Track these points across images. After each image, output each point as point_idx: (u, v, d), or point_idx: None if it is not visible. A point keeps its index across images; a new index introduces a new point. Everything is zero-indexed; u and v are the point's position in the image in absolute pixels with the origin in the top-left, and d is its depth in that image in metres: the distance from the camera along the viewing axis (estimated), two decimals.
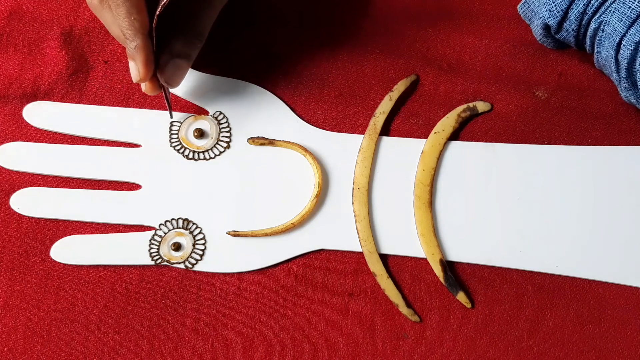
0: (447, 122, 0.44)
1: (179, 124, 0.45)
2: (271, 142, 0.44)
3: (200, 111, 0.45)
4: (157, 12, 0.38)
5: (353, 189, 0.43)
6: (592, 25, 0.40)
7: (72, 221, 0.44)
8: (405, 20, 0.46)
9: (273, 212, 0.43)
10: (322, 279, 0.43)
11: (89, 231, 0.44)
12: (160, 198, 0.44)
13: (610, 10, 0.39)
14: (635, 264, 0.41)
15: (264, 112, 0.44)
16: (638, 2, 0.38)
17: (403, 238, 0.43)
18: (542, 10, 0.41)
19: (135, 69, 0.40)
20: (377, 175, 0.44)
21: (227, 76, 0.45)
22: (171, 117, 0.45)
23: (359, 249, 0.42)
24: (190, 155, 0.44)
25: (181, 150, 0.44)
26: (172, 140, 0.44)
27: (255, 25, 0.46)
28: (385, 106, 0.44)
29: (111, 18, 0.40)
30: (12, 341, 0.42)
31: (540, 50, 0.45)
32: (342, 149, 0.44)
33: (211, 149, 0.44)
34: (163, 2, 0.38)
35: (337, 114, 0.45)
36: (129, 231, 0.44)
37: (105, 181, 0.45)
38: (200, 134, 0.44)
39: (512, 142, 0.44)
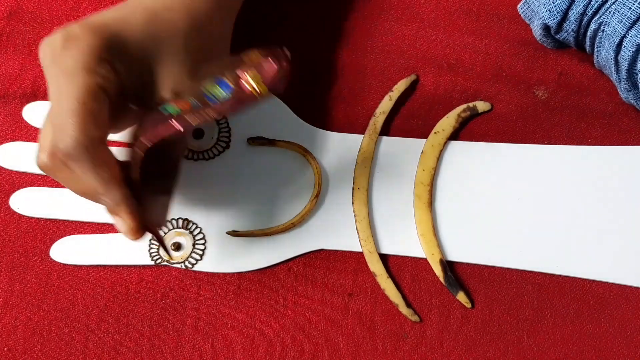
0: (447, 122, 0.44)
1: None
2: (271, 142, 0.44)
3: None
4: (136, 171, 0.35)
5: (353, 189, 0.43)
6: (592, 26, 0.40)
7: (72, 221, 0.44)
8: (405, 20, 0.46)
9: (273, 212, 0.43)
10: (322, 279, 0.43)
11: (89, 231, 0.44)
12: None
13: (610, 12, 0.39)
14: (635, 264, 0.41)
15: (264, 112, 0.44)
16: (638, 3, 0.38)
17: (403, 238, 0.43)
18: (542, 11, 0.41)
19: (122, 222, 0.36)
20: (377, 175, 0.44)
21: None
22: (169, 256, 0.42)
23: (359, 249, 0.42)
24: (190, 155, 0.44)
25: None
26: None
27: (255, 24, 0.46)
28: (385, 106, 0.44)
29: (71, 176, 0.35)
30: (12, 341, 0.42)
31: (540, 50, 0.45)
32: (342, 149, 0.44)
33: (211, 149, 0.44)
34: (141, 158, 0.35)
35: (337, 114, 0.45)
36: None
37: None
38: (200, 134, 0.44)
39: (512, 142, 0.44)
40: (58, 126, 0.33)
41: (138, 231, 0.36)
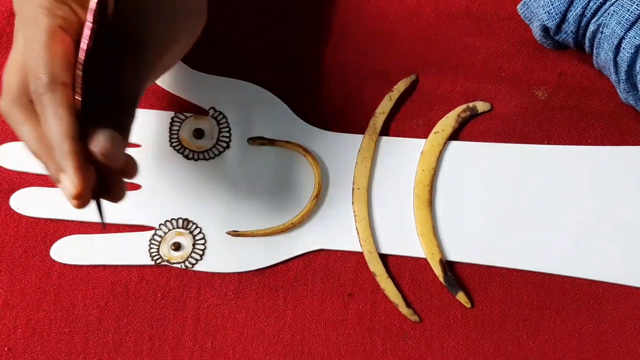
0: (447, 122, 0.44)
1: (179, 124, 0.44)
2: (271, 142, 0.44)
3: (200, 111, 0.45)
4: (80, 93, 0.32)
5: (353, 189, 0.43)
6: (591, 28, 0.40)
7: (72, 221, 0.44)
8: (405, 20, 0.46)
9: (273, 212, 0.43)
10: (322, 279, 0.43)
11: (89, 231, 0.44)
12: (160, 198, 0.44)
13: (608, 13, 0.39)
14: (635, 264, 0.41)
15: (264, 112, 0.44)
16: (637, 5, 0.38)
17: (403, 238, 0.43)
18: (540, 12, 0.41)
19: (68, 181, 0.32)
20: (377, 175, 0.44)
21: (227, 76, 0.45)
22: (104, 226, 0.38)
23: (359, 249, 0.42)
24: (190, 155, 0.44)
25: (181, 150, 0.44)
26: (172, 141, 0.44)
27: (255, 24, 0.46)
28: (385, 106, 0.44)
29: (29, 121, 0.33)
30: (12, 341, 0.42)
31: (540, 50, 0.45)
32: (342, 149, 0.44)
33: (211, 149, 0.44)
34: (80, 74, 0.32)
35: (337, 114, 0.45)
36: (129, 231, 0.44)
37: None
38: (200, 134, 0.44)
39: (512, 142, 0.44)
40: (28, 70, 0.33)
41: (84, 196, 0.32)
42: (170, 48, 0.37)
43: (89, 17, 0.32)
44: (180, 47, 0.40)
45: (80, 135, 0.33)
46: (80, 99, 0.33)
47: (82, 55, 0.32)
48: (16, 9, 0.35)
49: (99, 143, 0.33)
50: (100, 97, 0.34)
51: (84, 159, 0.32)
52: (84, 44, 0.32)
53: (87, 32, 0.32)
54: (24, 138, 0.34)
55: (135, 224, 0.44)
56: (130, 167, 0.36)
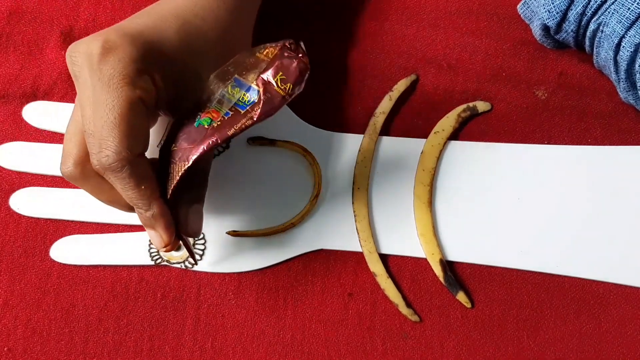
0: (447, 122, 0.44)
1: None
2: (271, 142, 0.44)
3: None
4: (173, 186, 0.35)
5: (353, 189, 0.43)
6: (591, 27, 0.40)
7: (72, 221, 0.44)
8: (405, 20, 0.46)
9: (273, 212, 0.43)
10: (322, 279, 0.43)
11: (89, 231, 0.44)
12: None
13: (609, 12, 0.39)
14: (635, 264, 0.41)
15: None
16: (637, 3, 0.38)
17: (403, 238, 0.43)
18: (541, 11, 0.41)
19: (158, 237, 0.36)
20: (377, 175, 0.44)
21: None
22: (195, 263, 0.42)
23: (359, 249, 0.42)
24: None
25: None
26: None
27: (255, 24, 0.46)
28: (385, 106, 0.44)
29: (100, 187, 0.35)
30: (12, 341, 0.42)
31: (540, 50, 0.45)
32: (342, 149, 0.44)
33: None
34: (181, 174, 0.34)
35: (337, 114, 0.45)
36: (129, 231, 0.44)
37: None
38: None
39: (512, 142, 0.44)
40: (96, 138, 0.32)
41: (173, 245, 0.36)
42: None
43: (215, 140, 0.33)
44: None
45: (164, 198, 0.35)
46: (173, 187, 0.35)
47: (189, 163, 0.34)
48: (90, 65, 0.33)
49: (192, 229, 0.38)
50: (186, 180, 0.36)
51: (169, 217, 0.35)
52: (196, 155, 0.33)
53: (204, 148, 0.33)
54: (94, 196, 0.36)
55: (136, 224, 0.44)
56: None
